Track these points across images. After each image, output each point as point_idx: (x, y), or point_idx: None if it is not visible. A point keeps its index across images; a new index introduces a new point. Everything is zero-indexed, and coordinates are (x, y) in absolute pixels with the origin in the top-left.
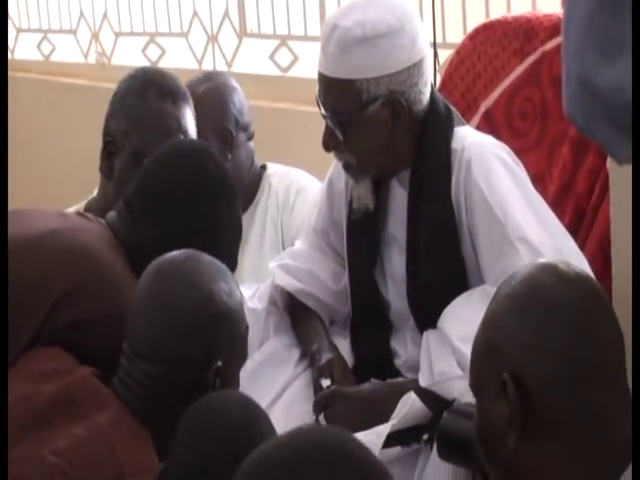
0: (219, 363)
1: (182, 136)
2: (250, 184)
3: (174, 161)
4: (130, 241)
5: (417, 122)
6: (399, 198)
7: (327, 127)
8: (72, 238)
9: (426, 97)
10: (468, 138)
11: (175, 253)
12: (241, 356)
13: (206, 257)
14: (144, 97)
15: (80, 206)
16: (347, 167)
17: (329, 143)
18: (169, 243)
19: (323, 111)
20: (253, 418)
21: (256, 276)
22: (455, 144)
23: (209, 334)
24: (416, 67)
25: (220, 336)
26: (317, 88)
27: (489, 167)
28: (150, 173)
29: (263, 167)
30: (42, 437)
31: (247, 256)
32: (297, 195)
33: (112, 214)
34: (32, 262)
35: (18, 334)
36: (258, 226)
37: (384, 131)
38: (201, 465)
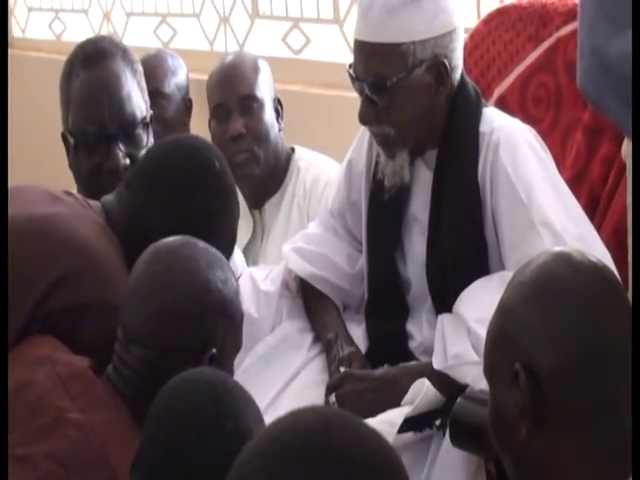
0: (213, 350)
1: (107, 96)
2: (279, 166)
3: (182, 150)
4: (124, 228)
5: (451, 95)
6: (424, 179)
7: (364, 99)
8: (67, 225)
9: (461, 68)
10: (496, 121)
11: (171, 239)
12: (235, 345)
13: (202, 244)
14: (70, 78)
15: None
16: (384, 141)
17: (367, 115)
18: (162, 227)
19: (360, 82)
20: (218, 398)
21: (279, 261)
22: (483, 127)
23: (204, 322)
24: (456, 33)
25: (215, 324)
26: (352, 61)
27: (516, 150)
28: (157, 156)
29: (292, 149)
30: (34, 428)
31: (272, 241)
32: (326, 186)
33: (109, 198)
34: (26, 247)
35: (11, 319)
36: (284, 212)
37: (427, 97)
38: (163, 444)
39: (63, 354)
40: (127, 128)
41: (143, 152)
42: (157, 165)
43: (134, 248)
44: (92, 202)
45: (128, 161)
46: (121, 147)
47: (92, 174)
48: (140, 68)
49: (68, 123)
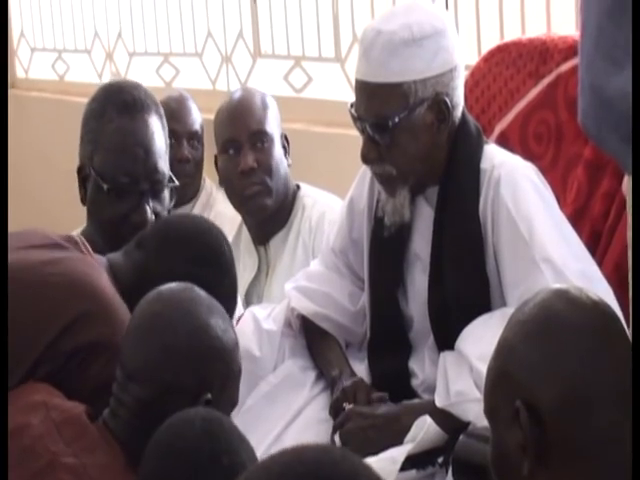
0: (209, 395)
1: (143, 152)
2: (286, 202)
3: (199, 229)
4: (129, 284)
5: (452, 133)
6: (425, 216)
7: (366, 139)
8: (74, 268)
9: (462, 106)
10: (497, 157)
11: (175, 284)
12: (231, 399)
13: (204, 292)
14: (103, 118)
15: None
16: (386, 179)
17: (369, 154)
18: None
19: (361, 122)
20: (213, 434)
21: (284, 297)
22: (484, 164)
23: (201, 364)
24: (457, 70)
25: (212, 368)
26: (353, 101)
27: (517, 187)
28: (174, 227)
29: (297, 186)
30: (28, 472)
31: (277, 277)
32: (332, 224)
33: (115, 255)
34: (33, 292)
35: (20, 363)
36: (290, 248)
37: (429, 135)
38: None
39: (58, 400)
40: (157, 186)
41: (165, 212)
42: (175, 235)
43: (134, 299)
44: (95, 255)
45: (154, 217)
46: (150, 203)
47: (117, 222)
48: (165, 122)
49: (93, 162)
